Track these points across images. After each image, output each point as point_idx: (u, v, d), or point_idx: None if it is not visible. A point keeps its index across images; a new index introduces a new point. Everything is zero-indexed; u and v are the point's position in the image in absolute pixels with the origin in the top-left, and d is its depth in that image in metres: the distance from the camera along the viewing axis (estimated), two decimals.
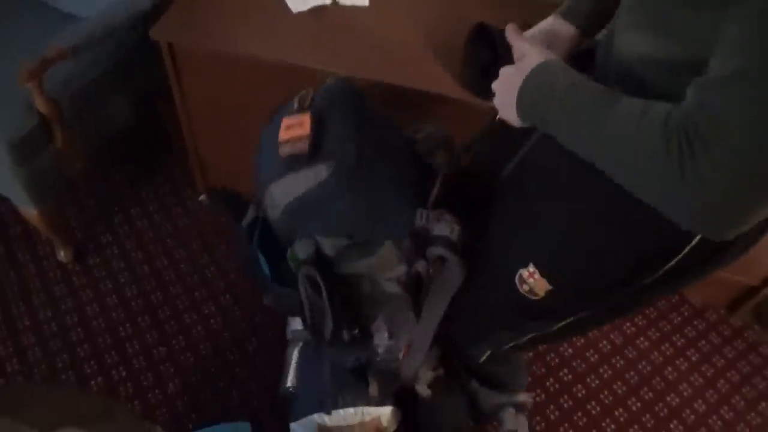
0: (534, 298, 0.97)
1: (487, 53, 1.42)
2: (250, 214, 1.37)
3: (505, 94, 0.86)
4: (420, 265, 1.19)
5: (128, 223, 1.95)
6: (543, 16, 1.10)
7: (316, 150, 1.09)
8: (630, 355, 1.76)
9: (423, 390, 1.37)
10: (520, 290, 0.98)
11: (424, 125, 1.47)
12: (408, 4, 1.70)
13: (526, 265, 0.95)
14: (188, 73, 1.65)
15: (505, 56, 1.05)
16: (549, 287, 0.94)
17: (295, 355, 1.40)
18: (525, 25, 1.14)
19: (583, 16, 1.01)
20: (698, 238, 0.77)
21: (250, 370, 1.66)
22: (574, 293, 0.95)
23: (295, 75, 1.52)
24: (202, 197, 1.72)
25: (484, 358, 1.26)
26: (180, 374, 1.65)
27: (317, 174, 1.09)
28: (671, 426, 1.64)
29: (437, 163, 1.26)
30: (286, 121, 1.12)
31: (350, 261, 1.19)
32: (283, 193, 1.13)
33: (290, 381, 1.35)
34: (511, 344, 1.17)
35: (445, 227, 1.18)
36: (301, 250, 1.17)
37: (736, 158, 0.58)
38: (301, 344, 1.41)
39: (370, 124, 1.19)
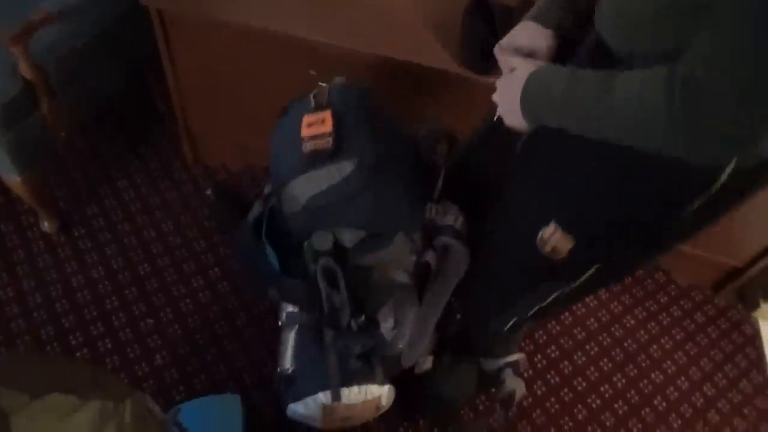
0: (557, 257, 0.97)
1: (484, 28, 1.41)
2: (257, 209, 1.40)
3: (507, 104, 0.91)
4: (429, 256, 1.26)
5: (115, 194, 1.92)
6: None
7: (338, 147, 1.14)
8: (616, 333, 1.78)
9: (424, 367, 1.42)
10: (543, 252, 0.98)
11: (426, 119, 1.46)
12: None
13: (547, 223, 0.95)
14: (179, 40, 1.61)
15: (504, 33, 1.06)
16: (572, 244, 0.94)
17: (291, 338, 1.39)
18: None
19: (556, 19, 1.00)
20: (726, 172, 0.78)
21: (239, 344, 1.65)
22: (598, 245, 0.95)
23: (290, 46, 1.50)
24: (208, 192, 1.71)
25: (507, 327, 1.29)
26: (168, 347, 1.63)
27: (341, 170, 1.13)
28: (655, 402, 1.67)
29: (438, 158, 1.32)
30: (307, 119, 1.17)
31: (366, 253, 1.23)
32: (305, 188, 1.17)
33: (288, 363, 1.35)
34: (536, 308, 1.18)
35: (451, 218, 1.25)
36: (319, 242, 1.21)
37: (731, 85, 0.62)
38: (297, 327, 1.40)
39: (381, 123, 1.24)
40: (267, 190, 1.45)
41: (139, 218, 1.87)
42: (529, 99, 0.85)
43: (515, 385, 1.53)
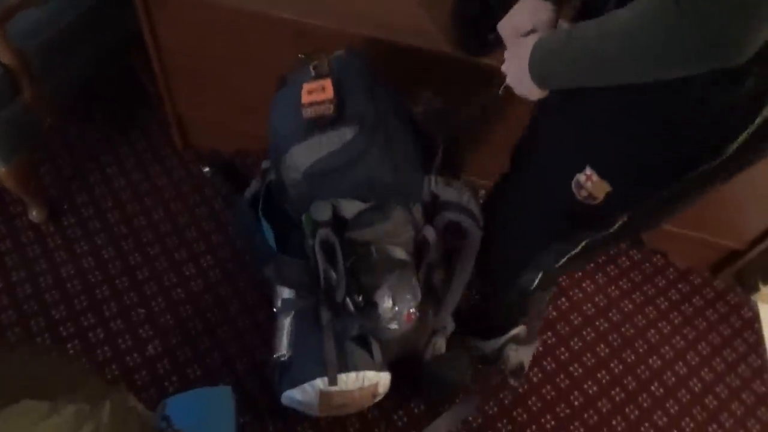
0: (593, 202, 0.96)
1: (477, 6, 1.36)
2: (254, 186, 1.41)
3: (516, 73, 0.91)
4: (428, 231, 1.26)
5: (104, 181, 1.88)
6: None
7: (339, 113, 1.16)
8: (614, 318, 1.76)
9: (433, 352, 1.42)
10: (578, 197, 0.96)
11: (422, 93, 1.44)
12: None
13: (582, 169, 0.93)
14: (163, 20, 1.56)
15: (498, 7, 1.02)
16: (608, 188, 0.92)
17: (287, 324, 1.37)
18: None
19: None
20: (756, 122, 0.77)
21: (233, 332, 1.63)
22: (635, 188, 0.94)
23: (277, 27, 1.45)
24: (205, 169, 1.71)
25: (536, 283, 1.28)
26: (160, 336, 1.62)
27: (341, 136, 1.16)
28: (652, 388, 1.66)
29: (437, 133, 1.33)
30: (307, 86, 1.18)
31: (364, 227, 1.23)
32: (305, 155, 1.18)
33: (284, 349, 1.33)
34: (565, 258, 1.17)
35: (454, 193, 1.26)
36: (318, 212, 1.21)
37: None
38: (293, 313, 1.38)
39: (382, 93, 1.25)
40: (265, 165, 1.44)
41: (129, 206, 1.84)
42: (537, 63, 0.85)
43: (522, 356, 1.54)
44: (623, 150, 0.90)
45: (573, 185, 0.96)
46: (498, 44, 1.03)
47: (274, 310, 1.42)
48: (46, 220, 1.77)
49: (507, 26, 0.96)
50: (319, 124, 1.16)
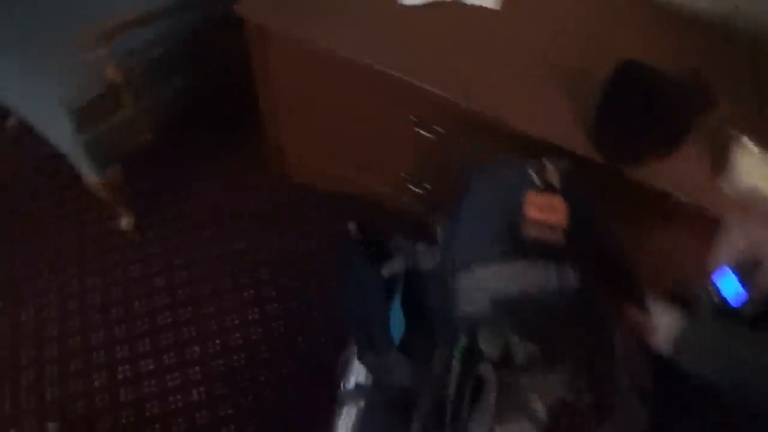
0: None
1: (630, 104, 1.09)
2: (397, 265, 1.18)
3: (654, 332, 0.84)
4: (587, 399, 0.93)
5: (194, 199, 1.83)
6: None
7: (566, 247, 0.90)
8: None
9: None
10: None
11: None
12: (547, 16, 1.37)
13: None
14: (272, 56, 1.45)
15: (661, 112, 0.90)
16: None
17: (352, 416, 1.20)
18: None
19: None
20: None
21: (279, 397, 1.50)
22: None
23: (392, 86, 1.26)
24: (351, 226, 1.49)
25: None
26: (207, 382, 1.52)
27: (562, 276, 0.89)
28: None
29: None
30: (534, 198, 0.93)
31: (532, 374, 0.94)
32: (499, 280, 0.92)
33: None
34: None
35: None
36: (488, 344, 0.94)
37: None
38: (362, 405, 1.20)
39: (604, 233, 1.00)
40: (420, 249, 1.19)
41: (211, 230, 1.77)
42: (681, 350, 0.81)
43: None
44: None
45: None
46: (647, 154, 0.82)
47: (341, 389, 1.25)
48: (134, 228, 1.75)
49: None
50: (541, 251, 0.91)
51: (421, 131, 1.35)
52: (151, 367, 1.54)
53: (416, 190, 1.54)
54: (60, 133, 1.46)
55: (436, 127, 1.32)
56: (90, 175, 1.55)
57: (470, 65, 1.27)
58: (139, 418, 1.46)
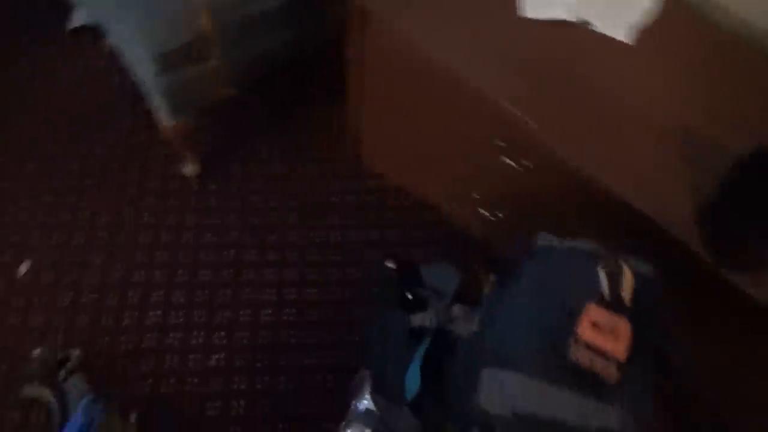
0: None
1: (758, 198, 0.92)
2: (428, 320, 1.08)
3: None
4: None
5: (260, 163, 1.79)
6: None
7: (617, 385, 0.74)
8: None
9: None
10: None
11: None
12: (683, 61, 1.19)
13: None
14: (369, 39, 1.35)
15: None
16: None
17: None
18: None
19: None
20: None
21: (293, 386, 1.46)
22: None
23: (486, 106, 1.14)
24: (390, 264, 1.39)
25: None
26: (228, 350, 1.49)
27: (604, 417, 0.74)
28: None
29: None
30: (595, 313, 0.77)
31: None
32: (530, 395, 0.78)
33: None
34: None
35: None
36: None
37: None
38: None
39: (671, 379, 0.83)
40: (457, 314, 1.09)
41: (271, 199, 1.72)
42: None
43: None
44: None
45: None
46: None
47: (351, 406, 1.20)
48: (197, 176, 1.73)
49: None
50: (585, 381, 0.75)
51: (507, 159, 1.23)
52: (181, 320, 1.53)
53: (486, 214, 1.42)
54: (142, 71, 1.43)
55: (524, 161, 1.19)
56: (163, 118, 1.52)
57: (579, 105, 1.12)
58: (157, 368, 1.47)
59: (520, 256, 0.97)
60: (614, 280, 0.75)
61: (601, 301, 0.74)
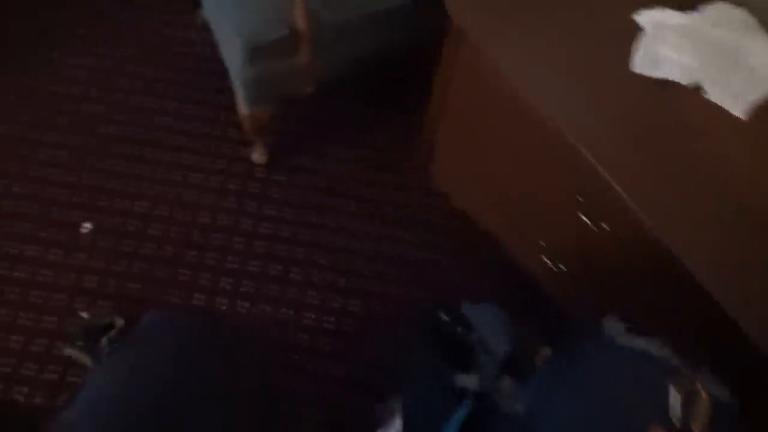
0: None
1: None
2: (471, 383, 1.02)
3: None
4: None
5: (327, 161, 1.76)
6: None
7: None
8: None
9: None
10: None
11: None
12: None
13: None
14: (461, 59, 1.30)
15: None
16: None
17: None
18: None
19: None
20: None
21: (318, 394, 1.45)
22: None
23: (573, 158, 1.08)
24: (443, 316, 1.30)
25: None
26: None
27: None
28: None
29: None
30: None
31: None
32: None
33: None
34: None
35: None
36: None
37: None
38: None
39: None
40: (504, 383, 1.02)
41: (331, 198, 1.70)
42: None
43: None
44: None
45: None
46: None
47: None
48: (264, 165, 1.73)
49: None
50: None
51: (584, 217, 1.16)
52: (224, 307, 1.54)
53: (549, 263, 1.36)
54: (230, 56, 1.42)
55: (604, 224, 1.12)
56: (241, 104, 1.52)
57: (677, 177, 1.04)
58: None
59: (581, 335, 0.91)
60: (687, 403, 0.67)
61: (669, 425, 0.67)
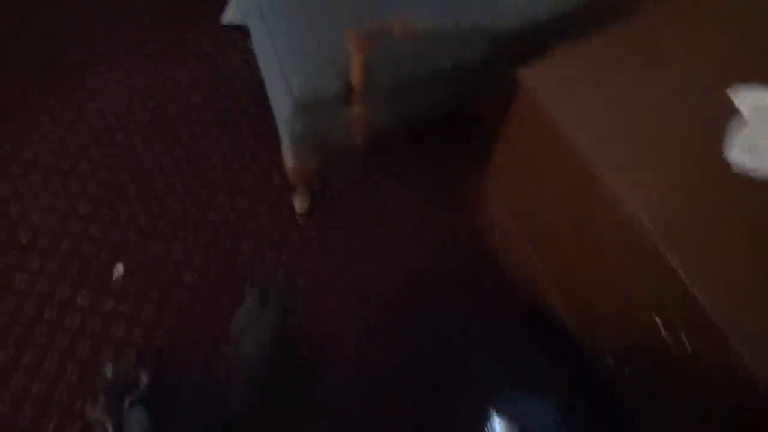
0: None
1: None
2: None
3: None
4: None
5: (373, 214, 1.66)
6: None
7: None
8: None
9: None
10: None
11: None
12: None
13: None
14: (530, 125, 1.18)
15: None
16: None
17: None
18: None
19: None
20: None
21: None
22: None
23: (653, 268, 0.95)
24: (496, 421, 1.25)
25: None
26: None
27: None
28: None
29: None
30: None
31: None
32: None
33: None
34: None
35: None
36: None
37: None
38: None
39: None
40: None
41: (375, 257, 1.60)
42: None
43: None
44: None
45: None
46: None
47: None
48: (305, 214, 1.64)
49: None
50: None
51: (660, 323, 1.02)
52: None
53: (612, 361, 1.22)
54: (278, 105, 1.34)
55: (685, 339, 0.98)
56: (286, 156, 1.43)
57: None
58: None
59: None
60: None
61: None
